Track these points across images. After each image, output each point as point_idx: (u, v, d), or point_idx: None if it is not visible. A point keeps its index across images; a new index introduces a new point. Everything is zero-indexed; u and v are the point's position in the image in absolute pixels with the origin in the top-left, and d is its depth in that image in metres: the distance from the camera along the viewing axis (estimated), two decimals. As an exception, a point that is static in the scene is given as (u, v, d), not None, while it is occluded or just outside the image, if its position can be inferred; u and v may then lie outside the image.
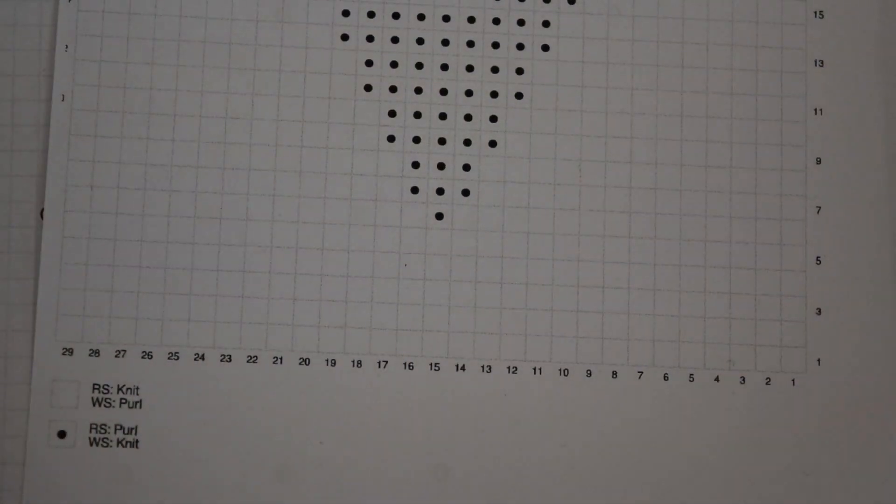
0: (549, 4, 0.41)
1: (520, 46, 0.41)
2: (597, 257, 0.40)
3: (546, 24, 0.41)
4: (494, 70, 0.41)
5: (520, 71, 0.41)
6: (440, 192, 0.40)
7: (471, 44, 0.41)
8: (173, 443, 0.38)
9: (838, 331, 0.40)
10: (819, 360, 0.40)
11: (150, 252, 0.39)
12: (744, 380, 0.40)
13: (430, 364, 0.39)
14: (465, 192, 0.40)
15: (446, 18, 0.41)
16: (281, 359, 0.39)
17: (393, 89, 0.41)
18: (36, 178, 0.39)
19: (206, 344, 0.39)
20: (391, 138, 0.40)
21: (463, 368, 0.39)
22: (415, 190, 0.40)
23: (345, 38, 0.41)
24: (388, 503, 0.38)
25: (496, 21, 0.41)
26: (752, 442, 0.39)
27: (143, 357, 0.39)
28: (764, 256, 0.40)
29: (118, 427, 0.38)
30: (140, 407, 0.38)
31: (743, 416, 0.40)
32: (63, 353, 0.39)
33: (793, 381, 0.40)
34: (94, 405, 0.38)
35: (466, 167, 0.40)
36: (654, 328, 0.40)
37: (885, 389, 0.40)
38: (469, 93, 0.41)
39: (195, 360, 0.39)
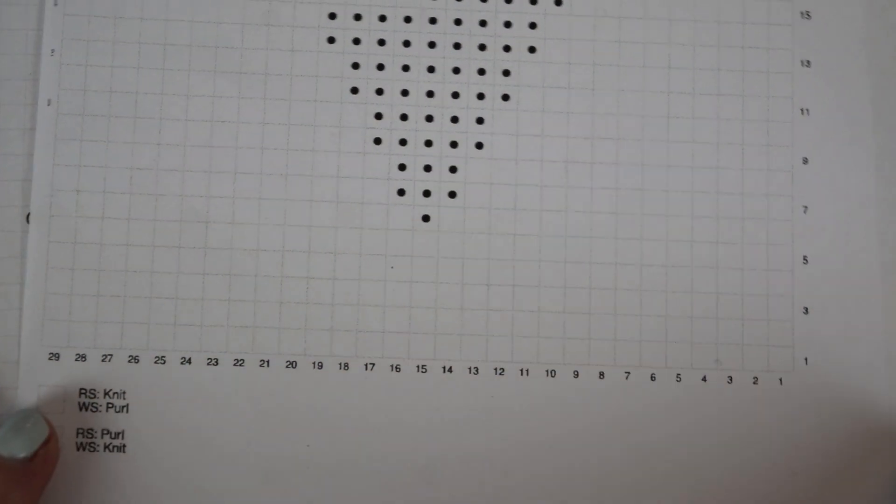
0: (536, 6, 0.41)
1: (506, 48, 0.41)
2: (583, 258, 0.40)
3: (533, 25, 0.41)
4: (481, 72, 0.41)
5: (506, 73, 0.41)
6: (427, 194, 0.40)
7: (457, 46, 0.41)
8: (160, 447, 0.38)
9: (825, 330, 0.40)
10: (806, 359, 0.40)
11: (136, 256, 0.39)
12: (731, 379, 0.40)
13: (417, 366, 0.39)
14: (452, 195, 0.40)
15: (433, 21, 0.41)
16: (268, 362, 0.39)
17: (379, 92, 0.41)
18: (22, 183, 0.39)
19: (193, 348, 0.39)
20: (378, 140, 0.40)
21: (450, 370, 0.39)
22: (401, 192, 0.40)
23: (331, 40, 0.41)
24: (375, 505, 0.39)
25: (483, 23, 0.41)
26: (739, 441, 0.39)
27: (129, 361, 0.39)
28: (751, 256, 0.40)
29: (105, 431, 0.38)
30: (127, 411, 0.38)
31: (730, 415, 0.40)
32: (49, 358, 0.39)
33: (780, 380, 0.40)
34: (80, 410, 0.38)
35: (453, 169, 0.40)
36: (640, 329, 0.40)
37: (871, 388, 0.40)
38: (456, 95, 0.41)
39: (182, 363, 0.39)
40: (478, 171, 0.40)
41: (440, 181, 0.40)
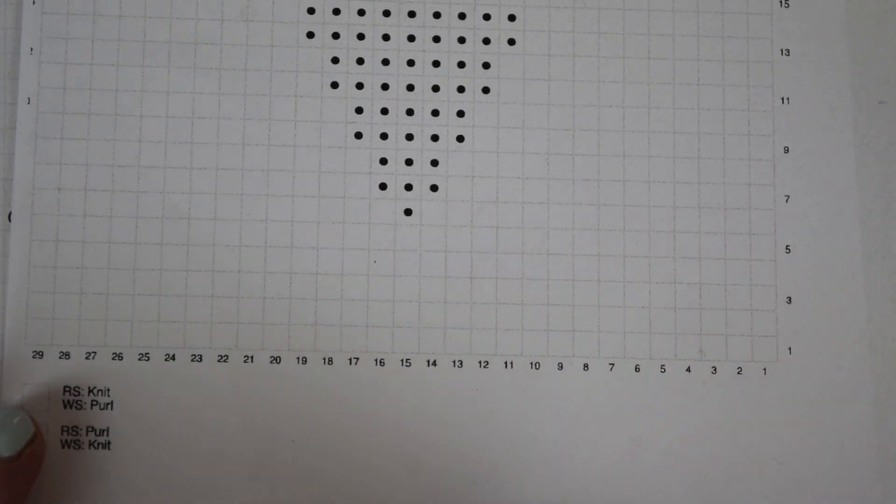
0: (516, -2, 0.41)
1: (486, 41, 0.41)
2: (566, 250, 0.40)
3: (512, 18, 0.41)
4: (461, 65, 0.41)
5: (486, 65, 0.41)
6: (408, 187, 0.40)
7: (437, 39, 0.41)
8: (145, 444, 0.38)
9: (809, 319, 0.40)
10: (790, 349, 0.40)
11: (118, 253, 0.39)
12: (715, 370, 0.40)
13: (402, 360, 0.39)
14: (434, 188, 0.40)
15: (412, 14, 0.41)
16: (252, 357, 0.39)
17: (360, 86, 0.41)
18: (2, 182, 0.39)
19: (177, 344, 0.39)
20: (358, 135, 0.40)
21: (434, 364, 0.39)
22: (383, 186, 0.40)
23: (310, 35, 0.41)
24: (361, 499, 0.39)
25: (462, 16, 0.41)
26: (724, 431, 0.39)
27: (113, 358, 0.39)
28: (733, 246, 0.40)
29: (90, 429, 0.38)
30: (111, 408, 0.39)
31: (715, 405, 0.40)
32: (33, 357, 0.39)
33: (764, 370, 0.40)
34: (65, 407, 0.38)
35: (434, 163, 0.40)
36: (624, 320, 0.40)
37: (855, 377, 0.40)
38: (436, 88, 0.41)
39: (166, 360, 0.39)
40: (459, 164, 0.40)
41: (422, 175, 0.40)
